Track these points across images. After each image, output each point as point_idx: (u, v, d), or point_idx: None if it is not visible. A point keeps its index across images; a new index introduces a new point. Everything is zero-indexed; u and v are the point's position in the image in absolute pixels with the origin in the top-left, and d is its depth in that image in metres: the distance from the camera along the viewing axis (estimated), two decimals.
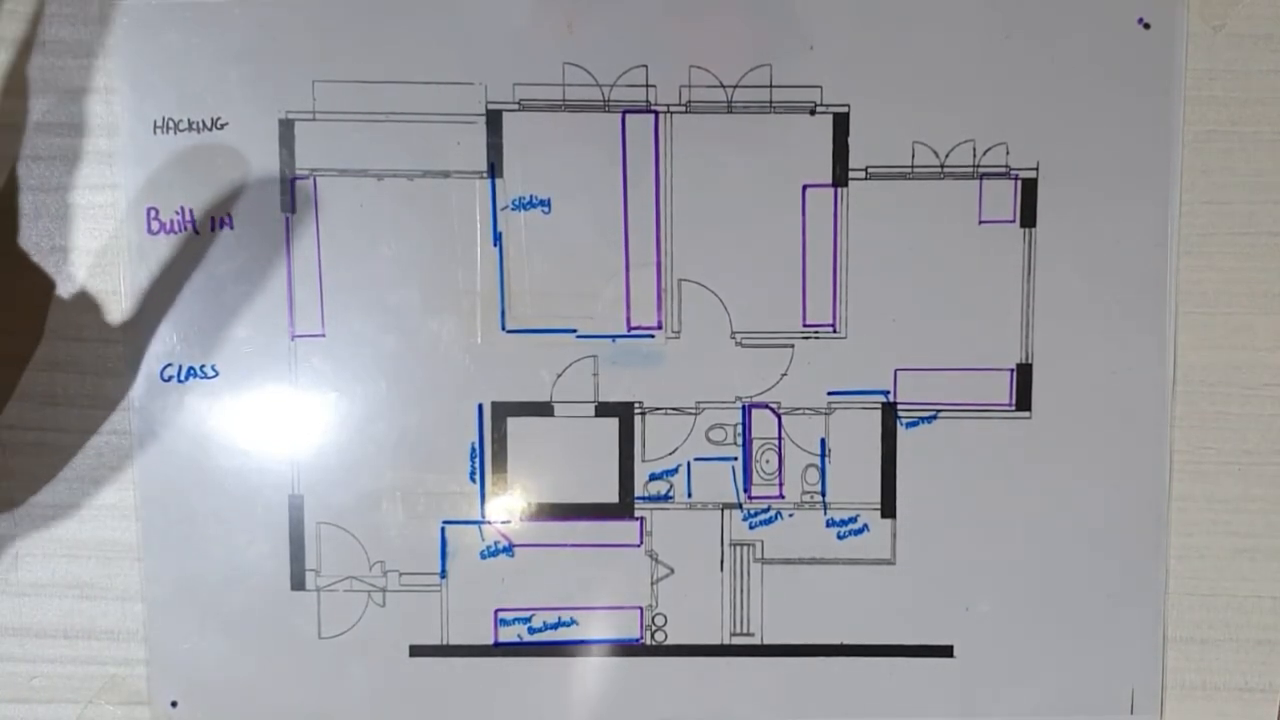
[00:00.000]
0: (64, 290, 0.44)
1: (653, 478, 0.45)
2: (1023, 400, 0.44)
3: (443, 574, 0.45)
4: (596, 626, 0.46)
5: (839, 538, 0.45)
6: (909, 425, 0.45)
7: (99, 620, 0.45)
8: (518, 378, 0.44)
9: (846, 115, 0.43)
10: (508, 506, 0.45)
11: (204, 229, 0.43)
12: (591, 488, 0.45)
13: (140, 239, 0.43)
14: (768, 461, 0.45)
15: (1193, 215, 0.44)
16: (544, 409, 0.45)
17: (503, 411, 0.45)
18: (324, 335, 0.44)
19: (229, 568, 0.45)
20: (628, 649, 0.46)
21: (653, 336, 0.44)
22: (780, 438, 0.45)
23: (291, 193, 0.44)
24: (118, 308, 0.44)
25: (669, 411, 0.45)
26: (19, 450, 0.45)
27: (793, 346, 0.44)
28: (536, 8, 0.43)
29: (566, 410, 0.45)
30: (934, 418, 0.45)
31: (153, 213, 0.43)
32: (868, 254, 0.44)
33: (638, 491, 0.45)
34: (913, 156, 0.44)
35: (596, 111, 0.43)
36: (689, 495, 0.45)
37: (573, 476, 0.45)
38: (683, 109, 0.43)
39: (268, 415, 0.44)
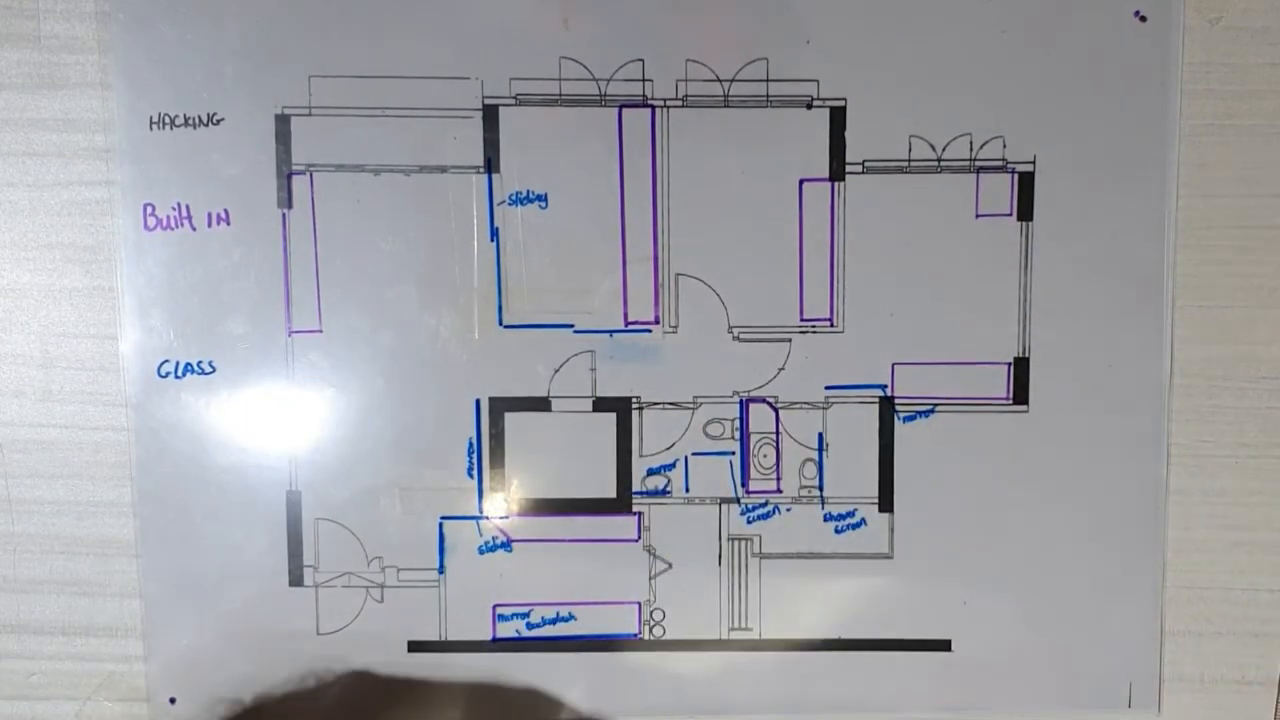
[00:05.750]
0: (61, 286, 0.44)
1: (650, 472, 0.45)
2: (1020, 394, 0.44)
3: (441, 569, 0.45)
4: (595, 621, 0.46)
5: (837, 532, 0.45)
6: (906, 419, 0.45)
7: (97, 617, 0.45)
8: (515, 373, 0.44)
9: (843, 109, 0.43)
10: (505, 502, 0.45)
11: (200, 225, 0.43)
12: (589, 483, 0.45)
13: (137, 235, 0.43)
14: (765, 456, 0.45)
15: (1189, 208, 0.44)
16: (541, 404, 0.45)
17: (500, 407, 0.45)
18: (321, 331, 0.44)
19: (227, 564, 0.45)
20: (626, 644, 0.46)
21: (650, 331, 0.44)
22: (778, 432, 0.45)
23: (288, 188, 0.44)
24: (114, 304, 0.44)
25: (666, 406, 0.45)
26: (16, 447, 0.45)
27: (790, 341, 0.44)
28: (533, 3, 0.43)
29: (564, 405, 0.45)
30: (931, 412, 0.45)
31: (149, 209, 0.43)
32: (865, 248, 0.44)
33: (635, 486, 0.45)
34: (909, 150, 0.44)
35: (593, 106, 0.43)
36: (686, 490, 0.45)
37: (570, 471, 0.45)
38: (679, 103, 0.43)
39: (265, 411, 0.44)
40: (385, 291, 0.44)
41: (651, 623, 0.46)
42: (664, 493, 0.45)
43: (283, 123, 0.43)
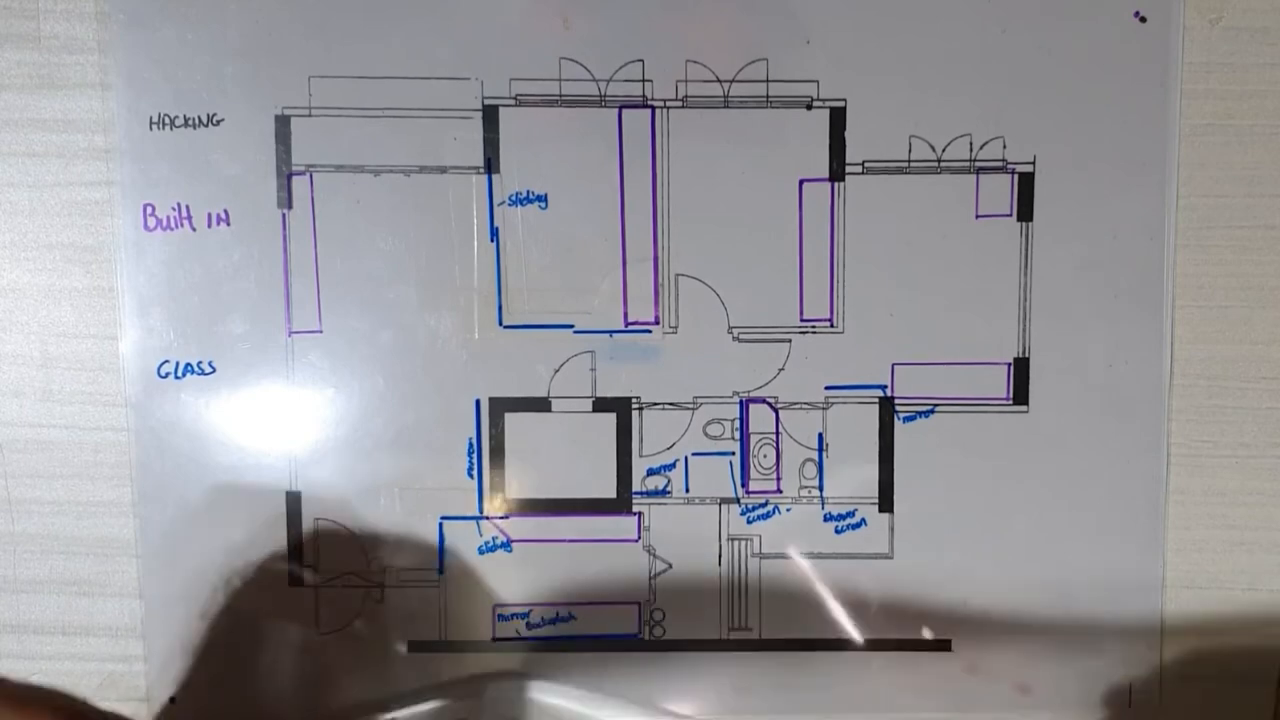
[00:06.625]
0: (61, 286, 0.44)
1: (650, 473, 0.45)
2: (1020, 394, 0.44)
3: (441, 570, 0.45)
4: (595, 622, 0.46)
5: (837, 532, 0.45)
6: (906, 420, 0.45)
7: (97, 617, 0.45)
8: (515, 373, 0.44)
9: (843, 109, 0.43)
10: (505, 502, 0.45)
11: (200, 225, 0.43)
12: (589, 483, 0.45)
13: (136, 235, 0.43)
14: (765, 456, 0.45)
15: (1190, 209, 0.44)
16: (541, 404, 0.45)
17: (500, 407, 0.45)
18: (321, 331, 0.44)
19: (227, 564, 0.45)
20: (626, 644, 0.46)
21: (650, 331, 0.44)
22: (778, 432, 0.45)
23: (288, 188, 0.44)
24: (114, 304, 0.44)
25: (666, 406, 0.45)
26: (16, 447, 0.45)
27: (790, 341, 0.44)
28: (533, 3, 0.43)
29: (564, 405, 0.45)
30: (931, 412, 0.45)
31: (149, 209, 0.43)
32: (865, 248, 0.44)
33: (635, 486, 0.45)
34: (909, 151, 0.44)
35: (593, 106, 0.43)
36: (686, 490, 0.45)
37: (570, 471, 0.45)
38: (679, 104, 0.43)
39: (265, 411, 0.44)
40: (385, 292, 0.44)
41: (651, 623, 0.46)
42: (664, 493, 0.45)
43: (282, 123, 0.43)
